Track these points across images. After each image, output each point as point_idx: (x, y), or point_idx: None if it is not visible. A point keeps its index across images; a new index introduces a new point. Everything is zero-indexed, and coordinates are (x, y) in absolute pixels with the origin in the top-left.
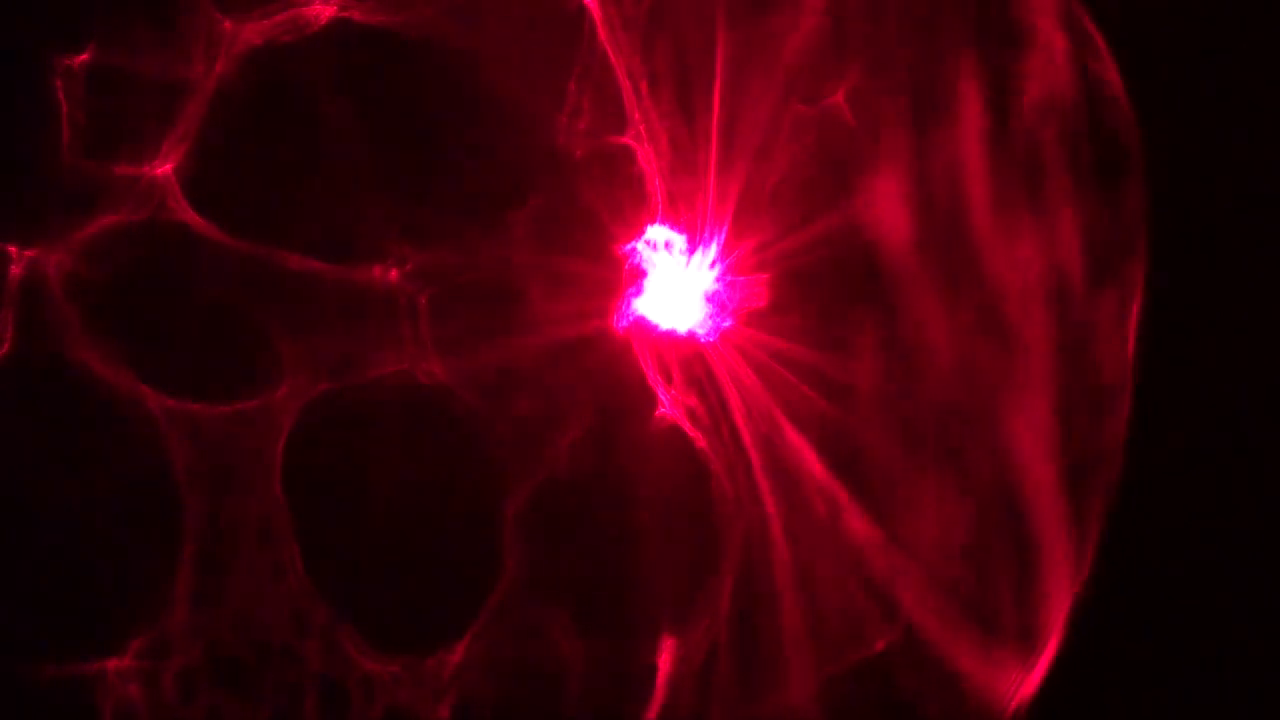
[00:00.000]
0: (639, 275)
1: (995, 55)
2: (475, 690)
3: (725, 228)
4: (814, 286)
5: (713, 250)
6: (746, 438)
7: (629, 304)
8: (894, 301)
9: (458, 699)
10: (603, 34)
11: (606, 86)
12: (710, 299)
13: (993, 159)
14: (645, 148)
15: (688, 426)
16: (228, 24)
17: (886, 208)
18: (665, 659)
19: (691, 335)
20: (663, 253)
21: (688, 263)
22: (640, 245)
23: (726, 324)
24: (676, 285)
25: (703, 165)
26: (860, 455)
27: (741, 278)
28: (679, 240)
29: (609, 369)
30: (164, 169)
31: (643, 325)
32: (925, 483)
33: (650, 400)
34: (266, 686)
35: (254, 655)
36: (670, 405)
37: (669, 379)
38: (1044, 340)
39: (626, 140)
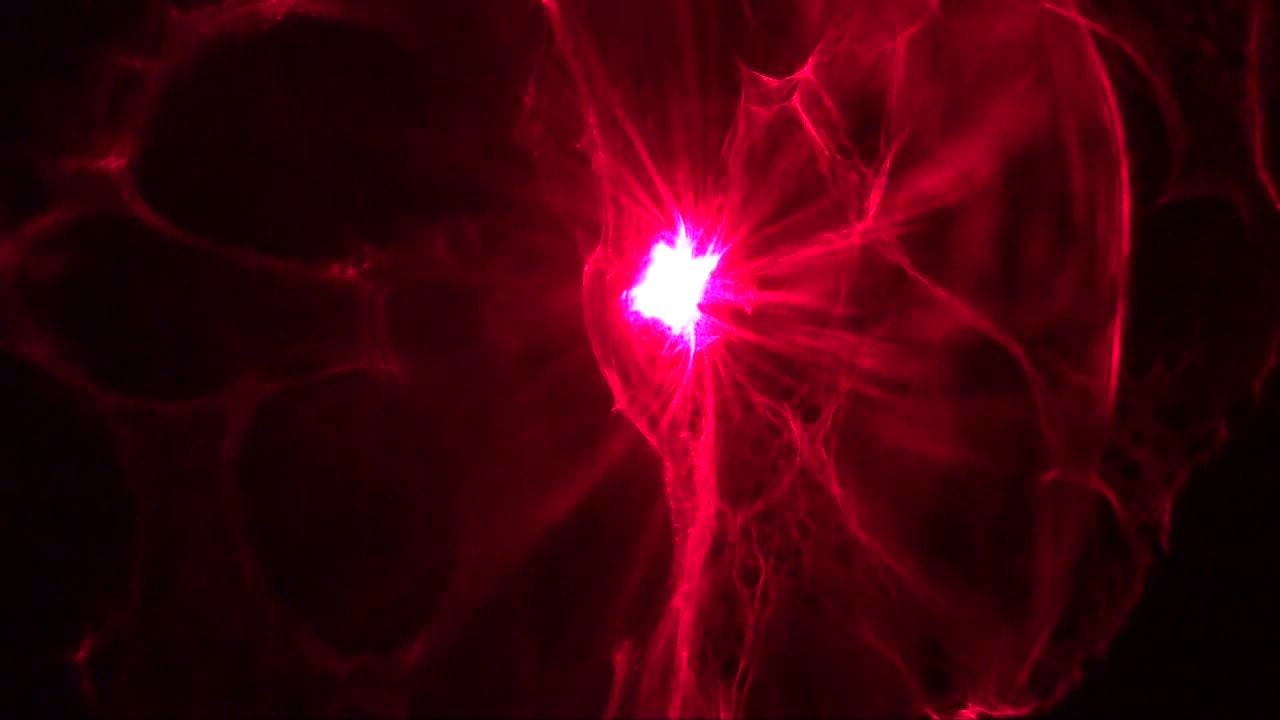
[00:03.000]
0: (632, 278)
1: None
2: (432, 688)
3: (708, 232)
4: (801, 291)
5: (688, 251)
6: (710, 440)
7: (625, 305)
8: (882, 310)
9: (414, 697)
10: (560, 33)
11: (564, 87)
12: (698, 303)
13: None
14: (601, 149)
15: (644, 428)
16: (182, 17)
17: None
18: (622, 658)
19: (674, 339)
20: (656, 256)
21: (677, 267)
22: (634, 250)
23: (714, 336)
24: (667, 288)
25: (665, 169)
26: (825, 461)
27: (728, 283)
28: (668, 247)
29: (567, 368)
30: (118, 163)
31: (617, 324)
32: (895, 490)
33: (607, 399)
34: (221, 685)
35: (208, 654)
36: (626, 405)
37: (627, 379)
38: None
39: (583, 141)
